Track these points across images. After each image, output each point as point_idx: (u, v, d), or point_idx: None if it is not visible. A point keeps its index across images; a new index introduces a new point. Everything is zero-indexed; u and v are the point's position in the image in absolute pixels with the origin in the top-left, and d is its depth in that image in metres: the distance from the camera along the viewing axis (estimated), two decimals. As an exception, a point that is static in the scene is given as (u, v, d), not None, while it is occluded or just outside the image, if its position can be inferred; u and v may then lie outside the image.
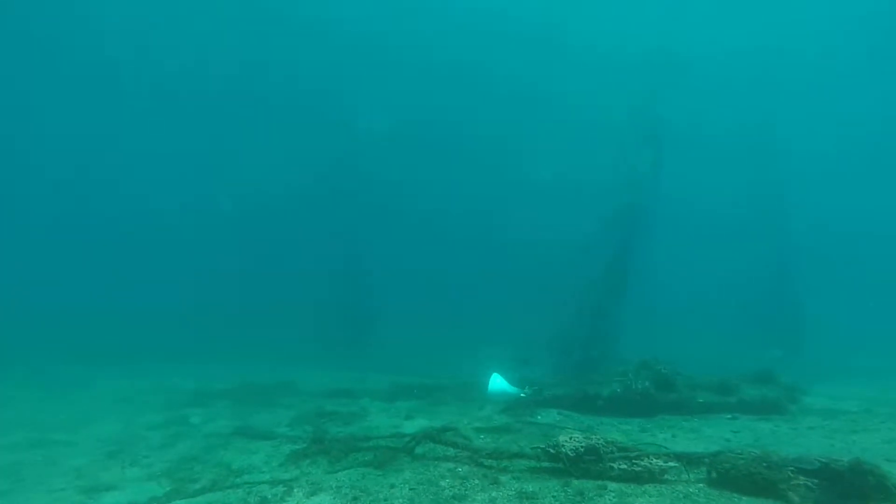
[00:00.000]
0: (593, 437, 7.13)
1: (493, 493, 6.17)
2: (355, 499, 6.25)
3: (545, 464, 7.07)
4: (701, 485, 6.31)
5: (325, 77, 35.68)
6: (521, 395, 10.87)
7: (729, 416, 10.75)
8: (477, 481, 6.55)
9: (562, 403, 11.71)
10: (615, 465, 6.66)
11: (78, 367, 16.87)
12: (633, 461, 6.63)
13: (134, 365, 17.05)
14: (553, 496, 6.07)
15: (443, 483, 6.49)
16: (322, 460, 7.91)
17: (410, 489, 6.41)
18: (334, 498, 6.36)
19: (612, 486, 6.33)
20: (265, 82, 36.42)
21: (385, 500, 6.14)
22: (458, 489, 6.32)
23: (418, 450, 7.83)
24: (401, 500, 6.08)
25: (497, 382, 10.86)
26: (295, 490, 6.77)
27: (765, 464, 6.10)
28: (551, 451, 6.93)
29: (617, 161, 19.36)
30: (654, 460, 6.57)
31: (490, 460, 7.25)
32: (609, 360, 15.20)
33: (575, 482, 6.49)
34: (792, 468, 5.92)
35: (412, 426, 9.57)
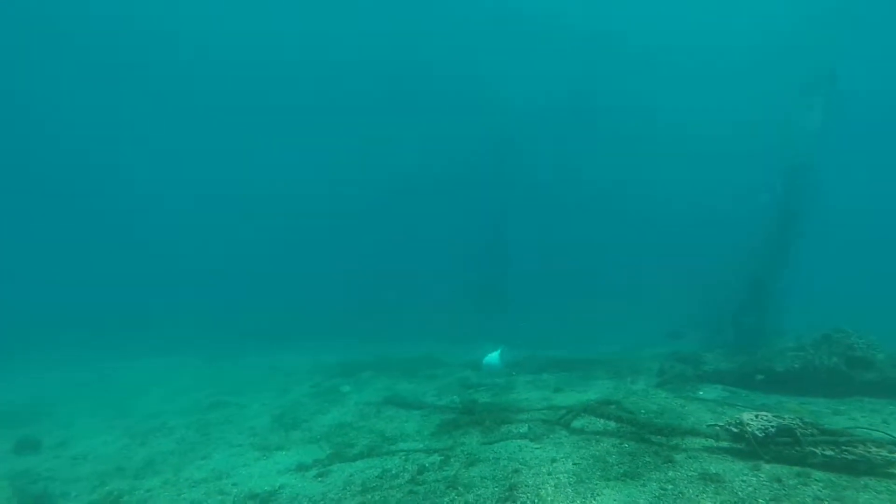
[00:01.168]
0: (785, 416, 6.16)
1: (671, 473, 5.55)
2: (516, 471, 5.98)
3: (724, 444, 6.25)
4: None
5: (466, 56, 35.33)
6: (512, 374, 10.94)
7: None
8: (648, 459, 5.96)
9: (724, 379, 10.55)
10: (818, 451, 5.67)
11: (234, 343, 18.65)
12: (844, 448, 5.60)
13: (283, 342, 18.49)
14: (743, 480, 5.31)
15: (610, 459, 5.98)
16: (474, 431, 7.76)
17: (574, 464, 5.99)
18: (494, 469, 6.14)
19: (818, 474, 5.39)
20: (407, 69, 36.87)
21: (549, 474, 5.78)
22: (629, 466, 5.78)
23: (576, 423, 7.38)
24: (565, 476, 5.69)
25: (491, 358, 11.31)
26: (452, 460, 6.67)
27: None
28: (733, 429, 6.10)
29: (778, 119, 16.95)
30: (874, 449, 5.48)
31: (658, 437, 6.58)
32: (770, 334, 13.51)
33: (766, 466, 5.63)
34: None
35: (562, 399, 9.12)
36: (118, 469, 8.29)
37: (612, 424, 7.12)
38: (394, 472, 6.61)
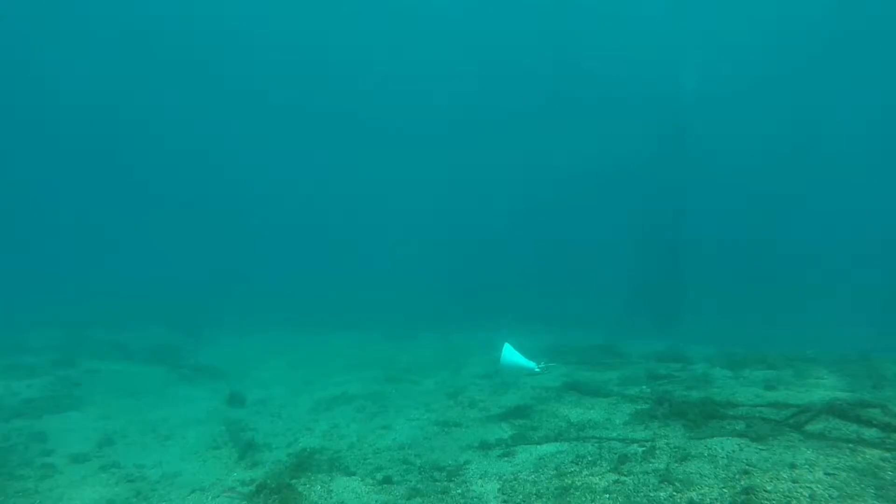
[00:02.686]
0: None
1: None
2: (745, 472, 4.97)
3: None
4: None
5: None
6: (537, 369, 8.75)
7: None
8: (944, 480, 4.53)
9: None
10: None
11: (411, 323, 19.28)
12: None
13: (457, 324, 18.68)
14: None
15: (885, 476, 4.67)
16: (676, 424, 6.78)
17: (826, 474, 4.79)
18: (713, 467, 5.18)
19: None
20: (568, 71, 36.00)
21: (793, 481, 4.68)
22: (913, 484, 4.43)
23: (812, 426, 6.02)
24: (820, 487, 4.54)
25: (510, 354, 9.00)
26: (657, 452, 5.82)
27: None
28: None
29: None
30: None
31: (944, 454, 5.04)
32: None
33: None
34: None
35: (779, 396, 7.65)
36: (307, 429, 8.75)
37: (873, 433, 5.66)
38: (589, 458, 5.95)
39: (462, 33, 38.01)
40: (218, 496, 6.12)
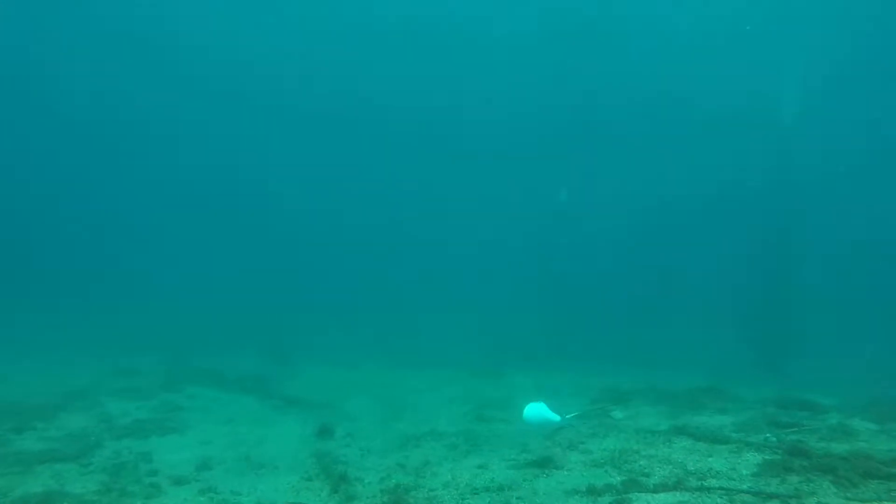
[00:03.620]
0: None
1: None
2: (932, 542, 4.08)
3: None
4: None
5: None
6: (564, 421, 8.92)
7: None
8: None
9: None
10: None
11: (495, 360, 18.74)
12: None
13: (541, 362, 17.95)
14: None
15: None
16: (822, 481, 5.92)
17: None
18: (885, 533, 4.32)
19: None
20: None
21: None
22: None
23: None
24: None
25: (534, 409, 9.01)
26: (805, 510, 4.99)
27: None
28: None
29: None
30: None
31: None
32: None
33: None
34: None
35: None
36: (399, 465, 8.45)
37: None
38: (723, 513, 5.22)
39: (546, 56, 37.67)
40: (315, 528, 5.91)
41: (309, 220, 47.58)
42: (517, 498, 6.54)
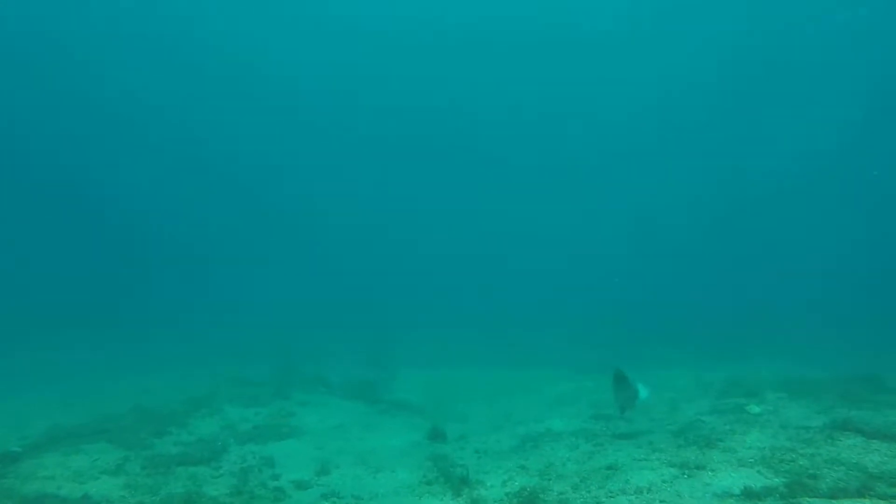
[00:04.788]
0: None
1: None
2: None
3: None
4: None
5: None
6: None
7: None
8: None
9: None
10: None
11: (601, 356, 17.85)
12: None
13: (647, 361, 16.85)
14: None
15: None
16: None
17: None
18: None
19: None
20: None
21: None
22: None
23: None
24: None
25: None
26: None
27: None
28: None
29: None
30: None
31: None
32: None
33: None
34: None
35: None
36: (521, 468, 8.02)
37: None
38: (936, 521, 4.32)
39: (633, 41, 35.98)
40: (447, 534, 5.60)
41: (404, 233, 48.67)
42: (660, 501, 5.89)
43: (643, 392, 8.68)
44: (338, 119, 45.23)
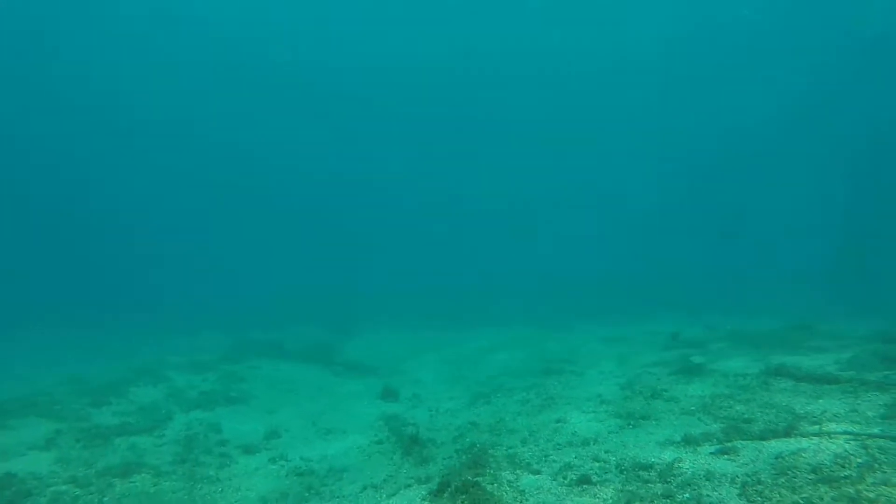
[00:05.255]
0: None
1: None
2: None
3: None
4: None
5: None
6: None
7: None
8: None
9: None
10: None
11: (562, 317, 18.15)
12: None
13: (608, 316, 17.21)
14: None
15: None
16: (967, 416, 5.02)
17: None
18: None
19: None
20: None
21: None
22: None
23: None
24: None
25: None
26: (965, 451, 4.21)
27: None
28: None
29: None
30: None
31: None
32: None
33: None
34: None
35: None
36: (472, 424, 8.05)
37: None
38: (860, 461, 4.51)
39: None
40: (394, 494, 5.57)
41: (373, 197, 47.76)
42: (605, 452, 5.99)
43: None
44: (291, 89, 43.42)
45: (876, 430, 5.20)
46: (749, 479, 4.52)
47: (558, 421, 7.42)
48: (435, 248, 38.50)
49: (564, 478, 5.30)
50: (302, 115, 45.22)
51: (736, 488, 4.43)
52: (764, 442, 5.49)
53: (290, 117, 45.35)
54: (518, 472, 5.57)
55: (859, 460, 4.51)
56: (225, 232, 44.73)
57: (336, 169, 48.38)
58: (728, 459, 5.16)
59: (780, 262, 19.97)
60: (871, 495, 3.84)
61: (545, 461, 6.00)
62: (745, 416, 6.41)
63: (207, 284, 30.60)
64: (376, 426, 8.71)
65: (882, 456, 4.53)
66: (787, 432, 5.62)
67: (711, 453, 5.45)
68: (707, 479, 4.69)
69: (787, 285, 16.70)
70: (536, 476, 5.45)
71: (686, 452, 5.58)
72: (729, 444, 5.57)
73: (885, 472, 4.22)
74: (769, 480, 4.43)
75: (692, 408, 7.11)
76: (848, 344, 9.43)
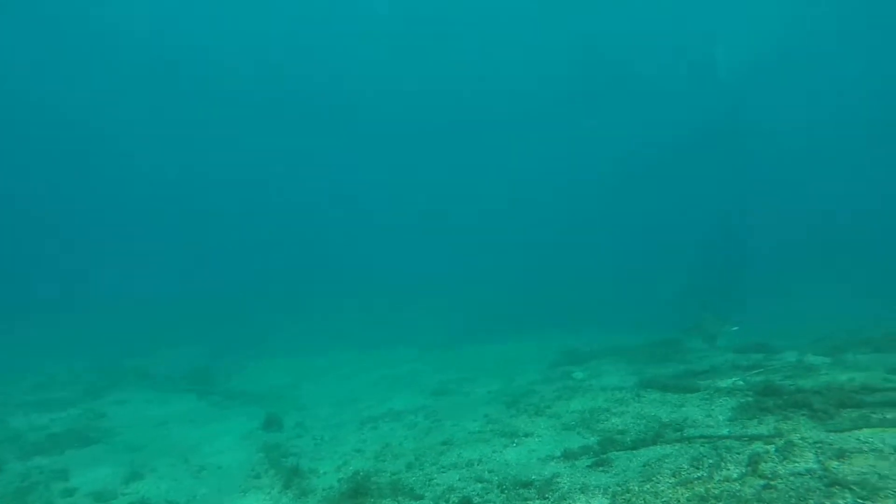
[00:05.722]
0: None
1: None
2: (936, 467, 3.81)
3: None
4: None
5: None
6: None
7: None
8: None
9: None
10: None
11: (451, 335, 18.22)
12: None
13: (497, 335, 17.53)
14: None
15: None
16: (798, 416, 5.67)
17: None
18: (891, 464, 4.05)
19: None
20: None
21: None
22: None
23: None
24: None
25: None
26: (796, 449, 4.68)
27: None
28: None
29: None
30: None
31: None
32: None
33: None
34: None
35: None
36: (357, 451, 7.76)
37: None
38: (710, 461, 4.86)
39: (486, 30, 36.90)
40: (265, 532, 5.14)
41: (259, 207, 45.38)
42: (489, 472, 5.99)
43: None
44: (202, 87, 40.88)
45: (724, 432, 5.66)
46: (619, 489, 4.70)
47: (444, 443, 7.35)
48: (329, 263, 37.38)
49: (446, 501, 5.21)
50: (175, 114, 42.61)
51: (607, 498, 4.58)
52: (634, 451, 5.77)
53: (163, 115, 42.57)
54: (400, 498, 5.40)
55: (710, 461, 4.86)
56: (90, 234, 40.33)
57: (225, 167, 45.82)
58: (602, 471, 5.36)
59: (659, 277, 21.71)
60: (717, 491, 4.13)
61: (428, 485, 5.88)
62: (620, 427, 6.73)
63: (68, 302, 27.22)
64: (255, 459, 8.12)
65: (728, 455, 4.93)
66: (655, 440, 5.96)
67: (588, 466, 5.65)
68: (582, 492, 4.82)
69: (663, 299, 18.13)
70: (418, 502, 5.31)
71: (565, 467, 5.73)
72: (604, 456, 5.80)
73: (729, 469, 4.58)
74: (636, 488, 4.63)
75: (573, 422, 7.36)
76: (708, 355, 10.35)
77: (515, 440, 7.04)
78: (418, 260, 34.59)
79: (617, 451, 5.91)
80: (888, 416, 5.19)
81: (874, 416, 5.26)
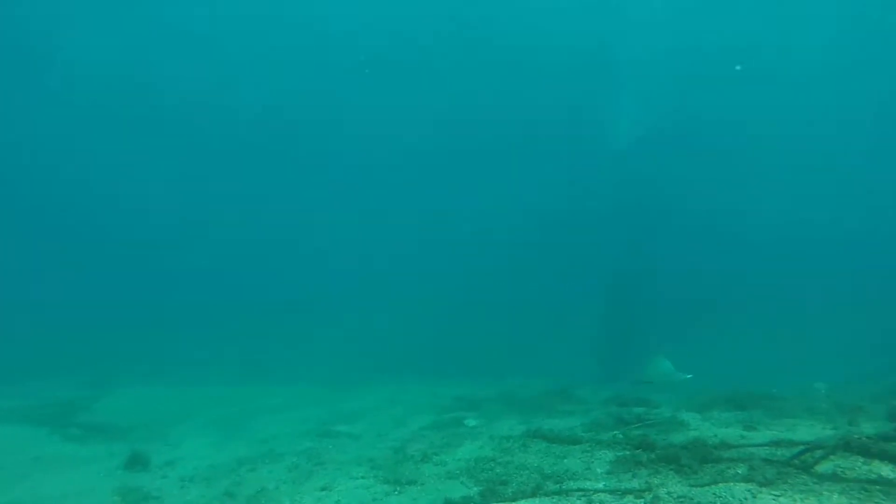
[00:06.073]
0: None
1: None
2: (778, 525, 4.11)
3: None
4: None
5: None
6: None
7: None
8: None
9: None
10: None
11: (349, 374, 17.64)
12: None
13: (393, 375, 17.19)
14: None
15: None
16: (667, 471, 5.96)
17: (870, 521, 4.03)
18: (737, 520, 4.31)
19: None
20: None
21: (840, 531, 3.88)
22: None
23: (823, 467, 5.34)
24: (874, 535, 3.76)
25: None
26: (662, 502, 4.88)
27: None
28: None
29: None
30: None
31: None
32: None
33: None
34: None
35: (764, 437, 7.02)
36: (228, 495, 7.19)
37: (890, 470, 5.05)
38: (584, 515, 4.92)
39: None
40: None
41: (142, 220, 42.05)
42: (366, 521, 5.73)
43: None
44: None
45: (600, 486, 5.81)
46: (492, 542, 4.64)
47: (323, 489, 6.97)
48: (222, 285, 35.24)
49: (315, 554, 4.88)
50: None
51: (479, 553, 4.50)
52: (516, 502, 5.76)
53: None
54: (264, 551, 4.98)
55: (585, 516, 4.95)
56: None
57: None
58: (479, 522, 5.29)
59: (562, 327, 22.49)
60: (587, 551, 4.19)
61: (300, 536, 5.50)
62: (503, 477, 6.71)
63: None
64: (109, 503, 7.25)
65: (601, 510, 5.05)
66: (534, 492, 5.99)
67: (465, 516, 5.55)
68: (455, 545, 4.70)
69: (560, 347, 18.80)
70: (284, 554, 4.93)
71: (443, 517, 5.60)
72: (483, 507, 5.75)
73: (603, 527, 4.68)
74: (509, 542, 4.59)
75: (457, 471, 7.26)
76: (593, 407, 10.74)
77: (397, 488, 6.81)
78: (334, 283, 33.66)
79: (497, 502, 5.87)
80: (739, 471, 5.58)
81: (729, 471, 5.63)
